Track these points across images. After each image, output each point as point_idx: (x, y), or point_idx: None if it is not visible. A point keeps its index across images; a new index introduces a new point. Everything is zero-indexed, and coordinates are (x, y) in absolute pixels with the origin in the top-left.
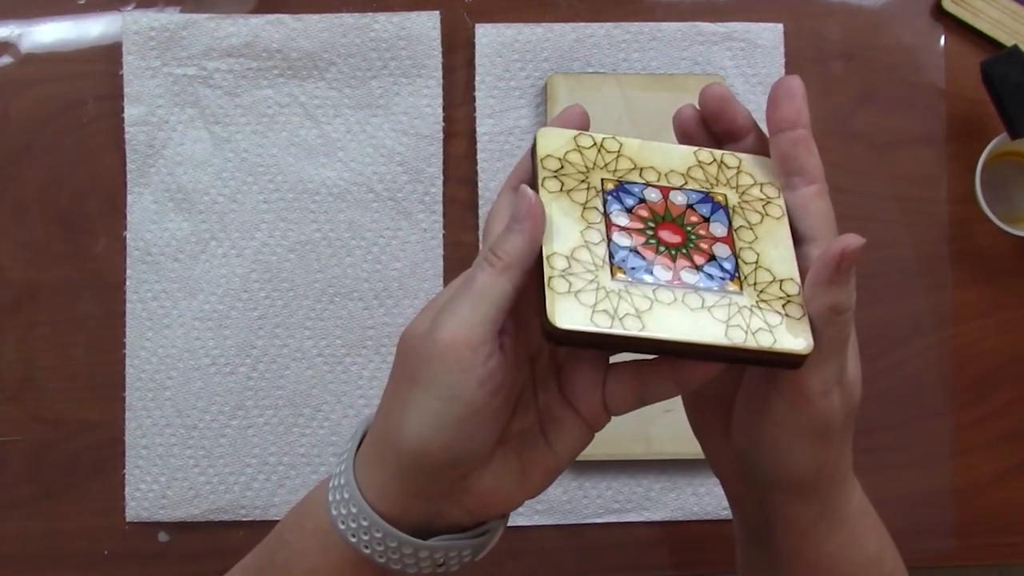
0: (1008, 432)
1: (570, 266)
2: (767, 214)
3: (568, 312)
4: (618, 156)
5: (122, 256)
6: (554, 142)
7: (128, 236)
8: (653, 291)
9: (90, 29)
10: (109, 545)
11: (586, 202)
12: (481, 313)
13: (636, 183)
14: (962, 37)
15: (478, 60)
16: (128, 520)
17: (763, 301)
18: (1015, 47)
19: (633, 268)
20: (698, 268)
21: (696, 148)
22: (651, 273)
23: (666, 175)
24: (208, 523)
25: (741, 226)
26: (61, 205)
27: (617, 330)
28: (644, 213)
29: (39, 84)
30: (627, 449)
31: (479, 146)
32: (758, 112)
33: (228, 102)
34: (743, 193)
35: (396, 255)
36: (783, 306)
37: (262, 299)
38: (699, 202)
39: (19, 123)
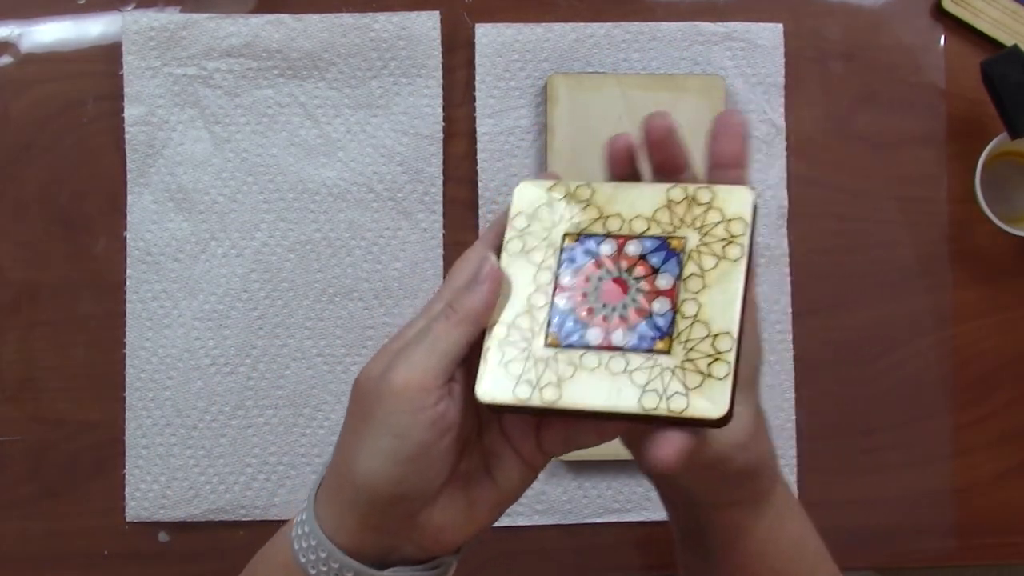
0: (1008, 432)
1: (509, 334)
2: (724, 256)
3: (492, 384)
4: (587, 205)
5: (122, 256)
6: (529, 196)
7: (128, 236)
8: (580, 356)
9: (90, 29)
10: (109, 545)
11: (542, 262)
12: (435, 360)
13: (596, 235)
14: (962, 37)
15: (478, 60)
16: (128, 520)
17: (689, 360)
18: (1015, 47)
19: (567, 333)
20: (632, 327)
21: (670, 185)
22: (583, 337)
23: (630, 222)
24: (208, 523)
25: (692, 274)
26: (61, 205)
27: (535, 402)
28: (594, 269)
29: (39, 84)
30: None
31: (479, 146)
32: (756, 112)
33: (228, 102)
34: (706, 233)
35: (396, 255)
36: (709, 365)
37: (262, 299)
38: (654, 251)
39: (19, 123)
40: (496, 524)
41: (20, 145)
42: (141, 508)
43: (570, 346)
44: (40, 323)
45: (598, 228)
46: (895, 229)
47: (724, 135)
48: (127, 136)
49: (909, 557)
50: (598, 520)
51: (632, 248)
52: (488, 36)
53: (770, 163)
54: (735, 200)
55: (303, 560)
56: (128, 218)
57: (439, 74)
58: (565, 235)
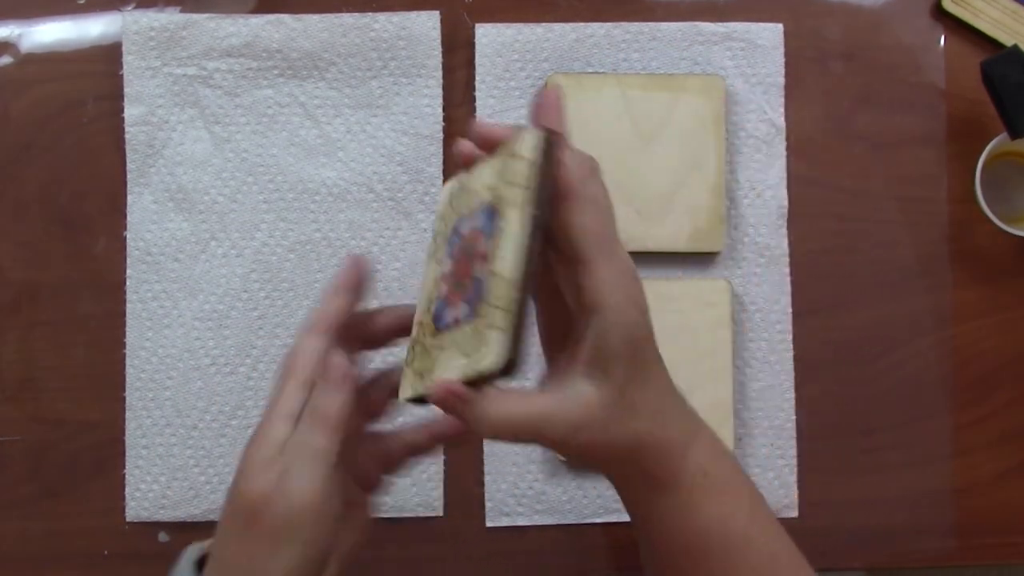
0: (1008, 432)
1: (417, 333)
2: (515, 202)
3: (404, 384)
4: (469, 192)
5: (122, 256)
6: (443, 197)
7: (128, 236)
8: (444, 338)
9: (90, 29)
10: (109, 545)
11: (441, 258)
12: (323, 473)
13: (463, 218)
14: (962, 37)
15: (478, 60)
16: (128, 520)
17: (488, 317)
18: (1015, 47)
19: (439, 319)
20: (466, 299)
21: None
22: (444, 319)
23: (486, 194)
24: (208, 523)
25: (500, 229)
26: (61, 205)
27: (420, 391)
28: (457, 252)
29: (39, 84)
30: None
31: None
32: (756, 112)
33: (228, 102)
34: (512, 184)
35: (396, 255)
36: (497, 317)
37: (262, 299)
38: (486, 218)
39: (19, 123)
40: (496, 524)
41: (20, 145)
42: (141, 508)
43: (440, 331)
44: (40, 323)
45: (467, 211)
46: (895, 229)
47: (543, 108)
48: (127, 136)
49: (909, 557)
50: (598, 520)
51: (476, 221)
52: (488, 36)
53: (770, 163)
54: (523, 142)
55: None
56: (128, 218)
57: (439, 74)
58: (453, 227)
